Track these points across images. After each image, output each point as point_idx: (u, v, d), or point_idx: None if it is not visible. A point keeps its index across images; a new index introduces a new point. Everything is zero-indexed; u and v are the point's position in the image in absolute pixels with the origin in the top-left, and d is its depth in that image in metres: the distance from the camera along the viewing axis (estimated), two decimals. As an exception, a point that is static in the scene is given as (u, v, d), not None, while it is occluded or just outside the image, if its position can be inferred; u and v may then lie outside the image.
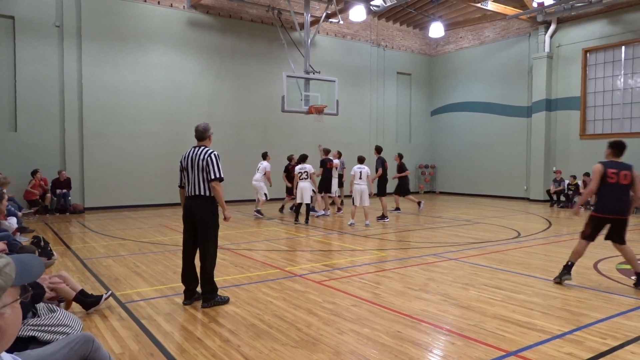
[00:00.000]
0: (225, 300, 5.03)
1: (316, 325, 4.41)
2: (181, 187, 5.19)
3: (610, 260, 7.25)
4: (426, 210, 14.33)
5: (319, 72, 14.80)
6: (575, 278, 6.18)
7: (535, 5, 15.67)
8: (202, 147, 5.02)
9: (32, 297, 3.16)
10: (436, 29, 17.61)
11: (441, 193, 21.38)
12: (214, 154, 4.95)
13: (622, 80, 15.63)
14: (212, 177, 4.88)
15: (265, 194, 12.62)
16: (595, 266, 6.89)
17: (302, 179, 11.46)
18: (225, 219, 5.10)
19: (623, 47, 15.55)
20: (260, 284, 5.90)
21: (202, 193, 4.93)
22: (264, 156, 13.01)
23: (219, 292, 5.09)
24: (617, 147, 5.82)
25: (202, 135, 5.08)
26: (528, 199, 17.85)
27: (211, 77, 16.14)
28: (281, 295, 5.36)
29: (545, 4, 15.34)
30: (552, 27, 17.09)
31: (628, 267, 6.84)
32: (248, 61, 16.77)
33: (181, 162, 5.12)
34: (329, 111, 14.45)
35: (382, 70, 20.28)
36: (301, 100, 14.12)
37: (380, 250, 8.20)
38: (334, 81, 14.65)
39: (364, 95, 19.72)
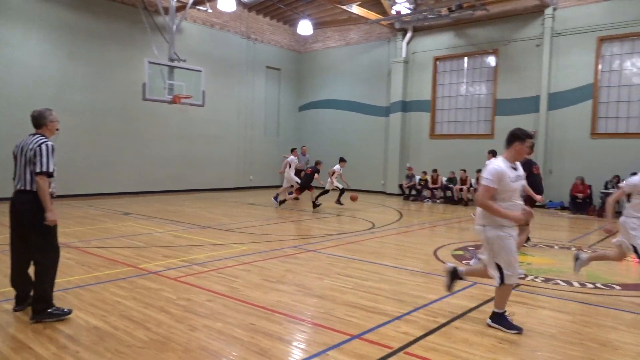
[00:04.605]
0: (65, 313, 4.35)
1: (167, 323, 4.25)
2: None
3: (447, 247, 8.15)
4: (292, 204, 14.65)
5: (185, 61, 14.25)
6: (418, 264, 6.83)
7: (393, 13, 16.86)
8: (37, 136, 4.47)
9: None
10: (304, 27, 18.02)
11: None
12: (46, 144, 4.33)
13: (464, 87, 17.59)
14: (37, 170, 4.26)
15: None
16: (434, 253, 7.69)
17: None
18: (46, 220, 4.28)
19: (466, 58, 17.49)
20: (108, 283, 5.51)
21: (28, 188, 4.34)
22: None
23: (62, 304, 4.51)
24: None
25: (36, 122, 4.52)
26: (385, 193, 19.23)
27: (61, 59, 14.50)
28: (131, 295, 5.07)
29: (402, 13, 16.59)
30: (409, 35, 18.56)
31: (461, 252, 7.77)
32: (106, 44, 15.41)
33: (13, 151, 4.53)
34: (195, 102, 14.01)
35: (251, 63, 20.17)
36: (164, 88, 13.48)
37: (241, 243, 8.18)
38: (200, 71, 14.24)
39: (232, 87, 19.43)
